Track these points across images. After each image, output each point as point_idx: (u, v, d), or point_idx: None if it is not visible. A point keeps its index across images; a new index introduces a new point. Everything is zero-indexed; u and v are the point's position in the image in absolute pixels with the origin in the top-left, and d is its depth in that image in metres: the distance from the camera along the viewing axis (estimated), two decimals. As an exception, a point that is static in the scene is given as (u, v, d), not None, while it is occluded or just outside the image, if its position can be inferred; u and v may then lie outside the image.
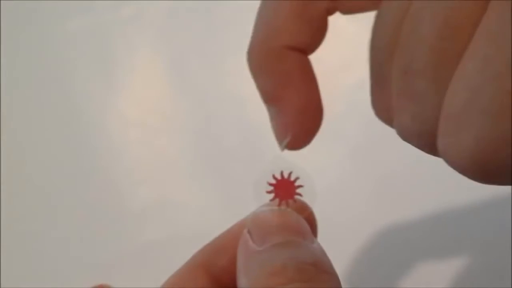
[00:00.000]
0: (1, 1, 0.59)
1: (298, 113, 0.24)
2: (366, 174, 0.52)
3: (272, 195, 0.24)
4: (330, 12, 0.24)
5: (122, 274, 0.49)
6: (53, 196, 0.53)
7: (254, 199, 0.24)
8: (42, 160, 0.55)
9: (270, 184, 0.24)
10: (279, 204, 0.24)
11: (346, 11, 0.24)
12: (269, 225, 0.23)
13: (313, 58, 0.24)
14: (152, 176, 0.54)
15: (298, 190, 0.24)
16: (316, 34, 0.24)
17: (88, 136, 0.56)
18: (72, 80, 0.58)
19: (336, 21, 0.24)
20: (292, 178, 0.24)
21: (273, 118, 0.24)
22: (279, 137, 0.24)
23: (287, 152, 0.24)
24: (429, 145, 0.19)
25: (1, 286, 0.48)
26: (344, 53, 0.55)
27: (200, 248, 0.25)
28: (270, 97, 0.24)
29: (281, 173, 0.24)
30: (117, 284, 0.47)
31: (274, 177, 0.24)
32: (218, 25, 0.60)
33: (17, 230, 0.52)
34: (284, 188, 0.24)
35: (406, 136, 0.21)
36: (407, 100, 0.19)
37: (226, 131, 0.56)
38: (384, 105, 0.22)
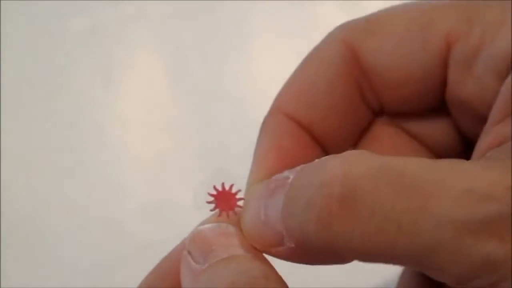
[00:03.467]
0: (1, 1, 0.59)
1: None
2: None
3: (212, 206, 0.23)
4: None
5: (122, 274, 0.49)
6: (52, 196, 0.53)
7: (193, 208, 0.23)
8: (41, 160, 0.55)
9: (211, 195, 0.23)
10: (220, 215, 0.23)
11: None
12: (210, 242, 0.21)
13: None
14: (152, 176, 0.54)
15: (239, 203, 0.23)
16: None
17: (87, 135, 0.56)
18: (72, 80, 0.58)
19: (336, 21, 0.24)
20: (234, 190, 0.23)
21: None
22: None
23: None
24: None
25: (1, 286, 0.48)
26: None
27: (143, 280, 0.24)
28: None
29: (222, 185, 0.23)
30: (117, 284, 0.47)
31: (215, 188, 0.23)
32: (218, 25, 0.60)
33: (17, 230, 0.52)
34: (225, 200, 0.23)
35: None
36: None
37: (226, 131, 0.56)
38: None
